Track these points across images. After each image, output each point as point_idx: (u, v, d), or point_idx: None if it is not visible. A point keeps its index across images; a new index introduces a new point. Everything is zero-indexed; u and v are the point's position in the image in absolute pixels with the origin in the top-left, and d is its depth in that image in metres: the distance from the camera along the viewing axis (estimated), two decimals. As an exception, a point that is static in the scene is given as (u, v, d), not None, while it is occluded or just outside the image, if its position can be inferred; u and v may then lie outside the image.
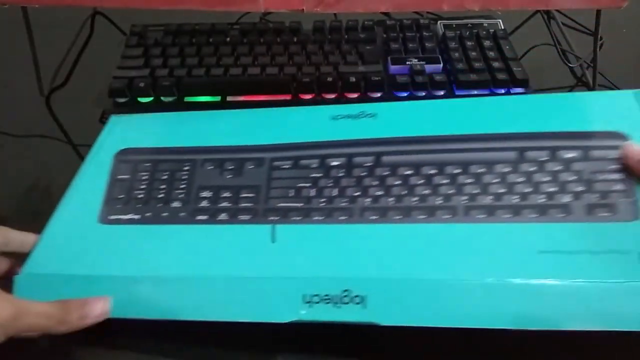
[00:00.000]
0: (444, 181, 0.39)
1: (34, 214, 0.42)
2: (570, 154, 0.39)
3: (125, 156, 0.45)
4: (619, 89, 0.57)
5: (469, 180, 0.39)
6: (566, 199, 0.37)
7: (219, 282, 0.36)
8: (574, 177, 0.38)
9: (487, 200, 0.38)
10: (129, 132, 0.47)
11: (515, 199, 0.37)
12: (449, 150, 0.41)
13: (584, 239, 0.35)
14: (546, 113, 0.43)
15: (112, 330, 0.37)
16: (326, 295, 0.34)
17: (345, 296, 0.34)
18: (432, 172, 0.40)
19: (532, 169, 0.39)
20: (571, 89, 0.58)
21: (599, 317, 0.32)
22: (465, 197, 0.38)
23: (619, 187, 0.37)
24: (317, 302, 0.34)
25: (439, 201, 0.38)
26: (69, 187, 0.43)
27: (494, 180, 0.39)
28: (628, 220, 0.35)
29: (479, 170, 0.39)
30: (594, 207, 0.36)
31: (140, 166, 0.44)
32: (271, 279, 0.36)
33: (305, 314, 0.34)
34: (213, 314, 0.35)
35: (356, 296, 0.34)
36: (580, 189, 0.37)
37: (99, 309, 0.35)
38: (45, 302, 0.35)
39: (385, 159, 0.42)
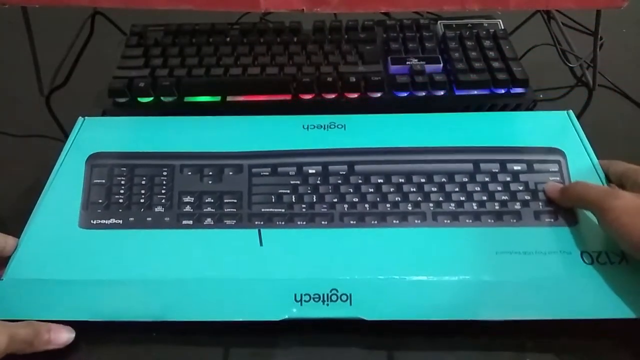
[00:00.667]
0: (412, 189, 0.43)
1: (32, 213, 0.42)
2: (517, 167, 0.45)
3: (98, 160, 0.45)
4: (619, 88, 0.58)
5: (434, 189, 0.43)
6: (517, 206, 0.42)
7: (213, 283, 0.38)
8: (522, 187, 0.43)
9: (451, 206, 0.42)
10: (100, 135, 0.48)
11: (474, 206, 0.42)
12: (414, 161, 0.45)
13: (533, 241, 0.40)
14: (495, 129, 0.48)
15: (108, 330, 0.37)
16: (316, 294, 0.38)
17: (333, 295, 0.37)
18: (401, 180, 0.44)
19: (486, 179, 0.44)
20: (571, 89, 0.58)
21: (551, 307, 0.37)
22: (432, 204, 0.42)
23: None
24: (308, 301, 0.37)
25: (409, 207, 0.42)
26: (43, 190, 0.43)
27: (456, 189, 0.43)
28: (568, 225, 0.41)
29: (442, 180, 0.44)
30: (540, 214, 0.42)
31: (116, 170, 0.45)
32: (264, 281, 0.38)
33: (297, 311, 0.37)
34: (209, 314, 0.37)
35: (343, 294, 0.38)
36: (527, 197, 0.43)
37: (64, 337, 0.36)
38: (19, 324, 0.35)
39: (357, 167, 0.45)
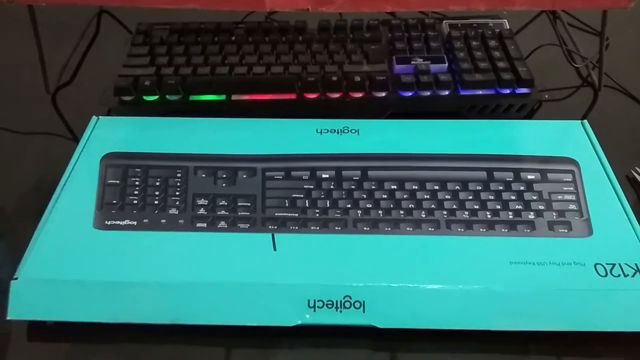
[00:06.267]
0: (426, 196, 0.43)
1: (40, 211, 0.42)
2: (531, 176, 0.44)
3: (112, 160, 0.45)
4: (624, 89, 0.57)
5: (448, 197, 0.43)
6: (531, 216, 0.42)
7: (226, 287, 0.38)
8: (536, 197, 0.43)
9: (465, 215, 0.42)
10: (114, 135, 0.48)
11: (488, 215, 0.42)
12: (428, 167, 0.45)
13: (547, 252, 0.40)
14: (509, 137, 0.47)
15: (113, 332, 0.37)
16: (329, 300, 0.37)
17: (346, 301, 0.37)
18: (415, 187, 0.44)
19: (500, 187, 0.44)
20: (577, 89, 0.58)
21: (564, 318, 0.37)
22: (446, 212, 0.42)
23: (572, 207, 0.43)
24: (321, 307, 0.37)
25: (423, 215, 0.42)
26: (57, 189, 0.43)
27: (469, 197, 0.43)
28: (583, 236, 0.41)
29: (456, 188, 0.44)
30: (554, 224, 0.42)
31: (131, 171, 0.45)
32: (277, 286, 0.38)
33: (309, 317, 0.37)
34: (221, 318, 0.37)
35: (356, 301, 0.37)
36: (541, 207, 0.43)
37: None
38: None
39: (371, 173, 0.45)
